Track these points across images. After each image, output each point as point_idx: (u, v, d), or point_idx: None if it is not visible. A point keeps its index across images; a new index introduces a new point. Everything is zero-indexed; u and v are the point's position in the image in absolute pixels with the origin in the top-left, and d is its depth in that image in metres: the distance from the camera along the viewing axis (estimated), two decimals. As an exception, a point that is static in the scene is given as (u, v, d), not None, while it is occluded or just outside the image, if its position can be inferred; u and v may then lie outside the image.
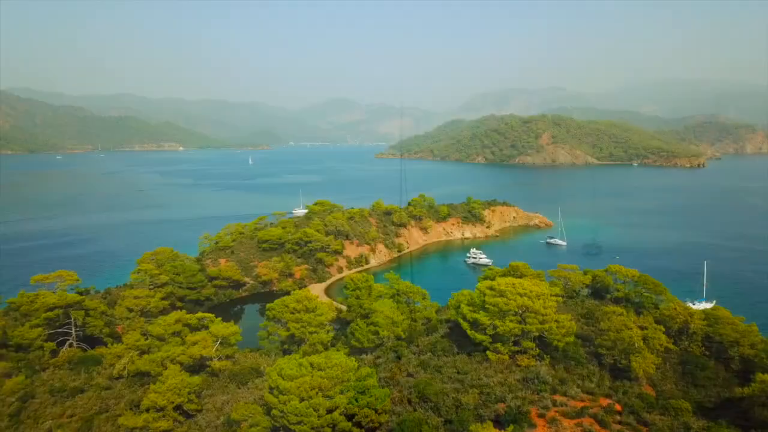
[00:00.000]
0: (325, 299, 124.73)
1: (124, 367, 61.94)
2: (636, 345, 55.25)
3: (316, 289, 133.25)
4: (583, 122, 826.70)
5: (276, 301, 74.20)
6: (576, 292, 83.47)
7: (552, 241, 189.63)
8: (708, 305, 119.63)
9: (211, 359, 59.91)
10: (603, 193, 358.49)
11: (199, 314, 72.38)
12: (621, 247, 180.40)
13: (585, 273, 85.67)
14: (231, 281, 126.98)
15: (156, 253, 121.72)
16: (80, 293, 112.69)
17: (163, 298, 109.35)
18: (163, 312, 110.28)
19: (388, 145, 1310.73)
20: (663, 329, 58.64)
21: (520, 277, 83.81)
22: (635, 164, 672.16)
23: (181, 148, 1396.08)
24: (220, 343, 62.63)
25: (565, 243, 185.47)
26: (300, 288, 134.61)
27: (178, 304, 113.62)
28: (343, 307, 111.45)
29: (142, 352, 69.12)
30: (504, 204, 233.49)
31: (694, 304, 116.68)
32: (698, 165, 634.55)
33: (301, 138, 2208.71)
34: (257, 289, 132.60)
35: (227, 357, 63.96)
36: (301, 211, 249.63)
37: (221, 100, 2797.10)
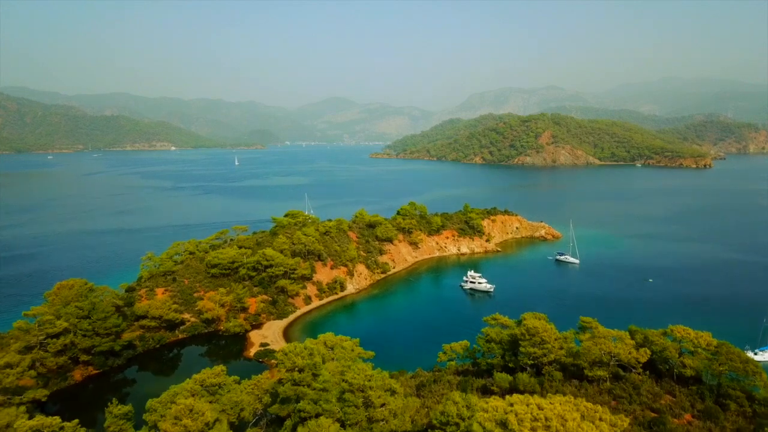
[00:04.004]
0: (281, 344, 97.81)
1: None
2: None
3: (274, 329, 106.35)
4: (583, 121, 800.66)
5: (164, 396, 47.33)
6: (626, 367, 56.62)
7: (562, 258, 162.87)
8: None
9: None
10: (611, 197, 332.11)
11: (37, 419, 45.33)
12: (648, 266, 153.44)
13: (633, 336, 58.67)
14: (163, 321, 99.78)
15: (62, 286, 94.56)
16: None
17: (58, 353, 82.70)
18: (60, 370, 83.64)
19: (385, 144, 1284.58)
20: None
21: (540, 345, 57.07)
22: (639, 165, 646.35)
23: (172, 148, 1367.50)
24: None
25: (577, 261, 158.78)
26: (253, 326, 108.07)
27: (83, 358, 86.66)
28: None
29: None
30: (505, 212, 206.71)
31: (756, 354, 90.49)
32: (705, 165, 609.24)
33: (297, 137, 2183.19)
34: (199, 329, 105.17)
35: None
36: None
37: (218, 99, 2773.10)
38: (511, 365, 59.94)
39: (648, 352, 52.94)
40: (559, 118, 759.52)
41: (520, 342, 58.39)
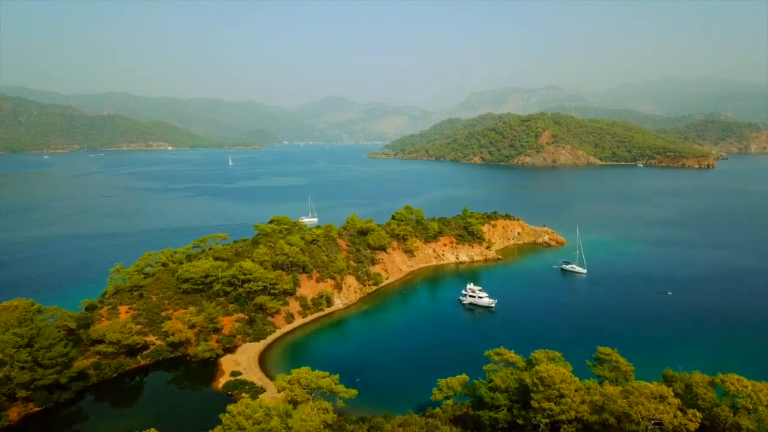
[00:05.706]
0: (255, 372, 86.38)
1: None
2: None
3: (249, 353, 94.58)
4: (584, 121, 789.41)
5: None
6: (662, 424, 45.14)
7: (568, 267, 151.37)
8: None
9: None
10: (614, 199, 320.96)
11: None
12: (662, 275, 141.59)
13: (671, 384, 47.13)
14: (122, 345, 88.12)
15: (3, 308, 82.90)
16: None
17: (-10, 389, 71.00)
18: (-9, 410, 72.05)
19: (383, 144, 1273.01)
20: None
21: (557, 400, 45.57)
22: (641, 165, 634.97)
23: (169, 148, 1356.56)
24: None
25: (585, 270, 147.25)
26: (226, 350, 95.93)
27: (21, 393, 74.95)
28: (276, 393, 73.88)
29: None
30: (506, 217, 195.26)
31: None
32: (707, 165, 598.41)
33: (296, 137, 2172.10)
34: (165, 354, 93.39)
35: None
36: (310, 220, 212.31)
37: (218, 99, 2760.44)
38: (520, 422, 48.45)
39: (698, 415, 41.44)
40: (559, 118, 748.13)
41: (531, 394, 46.89)
